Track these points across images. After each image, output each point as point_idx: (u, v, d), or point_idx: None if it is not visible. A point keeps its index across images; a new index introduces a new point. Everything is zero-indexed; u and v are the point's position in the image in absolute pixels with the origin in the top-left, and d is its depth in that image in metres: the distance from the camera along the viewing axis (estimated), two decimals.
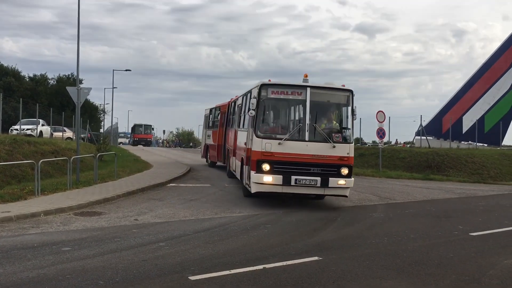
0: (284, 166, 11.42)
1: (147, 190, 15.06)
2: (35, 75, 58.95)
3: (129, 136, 71.77)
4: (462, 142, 37.59)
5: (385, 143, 29.02)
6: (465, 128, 37.71)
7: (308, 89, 11.75)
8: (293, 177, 11.36)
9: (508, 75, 37.18)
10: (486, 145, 36.12)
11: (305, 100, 11.70)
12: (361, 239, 8.86)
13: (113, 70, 62.84)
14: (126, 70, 65.26)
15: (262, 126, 11.89)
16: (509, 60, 37.25)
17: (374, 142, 38.05)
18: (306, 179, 11.40)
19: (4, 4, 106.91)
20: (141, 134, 63.18)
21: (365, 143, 40.08)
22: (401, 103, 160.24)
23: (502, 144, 37.04)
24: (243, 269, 6.57)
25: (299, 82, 12.13)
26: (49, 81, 59.93)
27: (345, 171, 11.58)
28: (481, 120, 37.11)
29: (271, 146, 11.47)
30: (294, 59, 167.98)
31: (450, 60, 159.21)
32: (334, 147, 11.53)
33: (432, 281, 6.37)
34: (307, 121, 11.63)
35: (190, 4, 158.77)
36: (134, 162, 25.26)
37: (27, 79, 56.98)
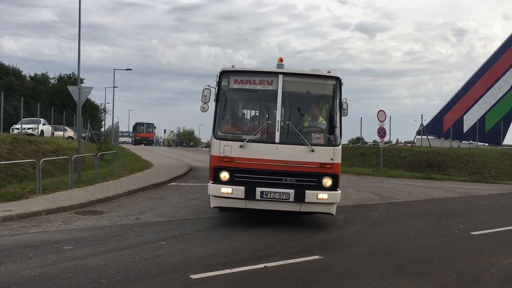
0: (247, 175, 9.03)
1: (148, 189, 15.08)
2: (36, 75, 59.06)
3: (131, 135, 71.62)
4: (463, 141, 37.65)
5: (386, 143, 29.04)
6: (466, 128, 37.75)
7: (280, 76, 9.26)
8: (259, 189, 8.93)
9: (509, 75, 37.21)
10: (487, 144, 36.17)
11: (277, 91, 9.24)
12: (362, 238, 8.88)
13: (114, 69, 63.29)
14: (127, 70, 65.36)
15: (222, 125, 9.56)
16: (509, 60, 37.27)
17: (375, 141, 38.07)
18: (275, 192, 8.94)
19: (4, 3, 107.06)
20: (143, 133, 62.93)
21: (366, 143, 40.11)
22: (402, 102, 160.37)
23: (503, 143, 37.10)
24: (245, 268, 6.59)
25: (272, 68, 9.77)
26: (50, 80, 60.03)
27: (327, 181, 9.05)
28: (482, 120, 37.15)
29: (231, 149, 9.09)
30: (294, 58, 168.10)
31: (450, 60, 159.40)
32: (313, 151, 9.04)
33: (432, 280, 6.38)
34: (278, 118, 9.16)
35: (190, 3, 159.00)
36: (135, 161, 25.28)
37: (28, 79, 57.04)
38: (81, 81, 33.05)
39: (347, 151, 31.76)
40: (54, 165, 18.94)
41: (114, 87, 50.72)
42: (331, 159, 9.16)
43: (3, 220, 9.59)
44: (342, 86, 9.59)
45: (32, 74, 58.94)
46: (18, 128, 27.88)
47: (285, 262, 6.97)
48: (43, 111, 33.50)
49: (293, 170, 9.07)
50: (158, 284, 5.91)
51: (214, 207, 9.65)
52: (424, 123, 35.57)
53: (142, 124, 64.28)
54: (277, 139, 9.13)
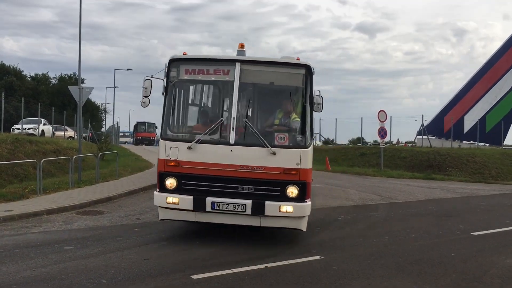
0: (196, 182, 7.74)
1: (148, 189, 15.07)
2: (36, 75, 59.18)
3: (133, 135, 71.38)
4: (464, 141, 37.67)
5: (386, 143, 29.05)
6: (466, 128, 37.77)
7: (238, 64, 7.87)
8: (210, 200, 7.59)
9: (509, 75, 37.24)
10: (487, 144, 36.20)
11: (233, 82, 7.87)
12: (363, 238, 8.88)
13: (115, 69, 63.23)
14: (128, 70, 65.36)
15: (171, 123, 8.28)
16: (510, 60, 37.30)
17: (375, 141, 38.07)
18: (229, 203, 7.56)
19: (4, 3, 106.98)
20: (144, 133, 62.53)
21: (367, 143, 40.12)
22: (402, 102, 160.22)
23: (504, 143, 37.12)
24: (245, 268, 6.59)
25: (230, 55, 8.50)
26: (51, 80, 60.15)
27: (292, 191, 7.61)
28: (482, 120, 37.18)
29: (178, 151, 7.80)
30: None
31: (450, 60, 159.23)
32: (274, 154, 7.59)
33: (433, 280, 6.39)
34: (234, 114, 7.72)
35: (190, 3, 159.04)
36: (136, 161, 25.31)
37: (29, 79, 57.15)
38: (82, 81, 33.10)
39: (348, 151, 31.83)
40: (55, 165, 18.96)
41: (114, 87, 50.78)
42: (297, 164, 7.65)
43: (4, 220, 9.60)
44: (313, 76, 8.08)
45: (33, 74, 59.13)
46: (18, 128, 27.94)
47: (286, 262, 6.98)
48: (43, 111, 33.58)
49: (251, 176, 7.66)
50: (159, 284, 5.92)
51: (162, 220, 8.44)
52: (425, 123, 35.64)
53: (143, 123, 63.84)
54: (231, 140, 7.70)
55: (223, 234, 8.88)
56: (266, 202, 7.55)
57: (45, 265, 6.59)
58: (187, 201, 7.69)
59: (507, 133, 37.16)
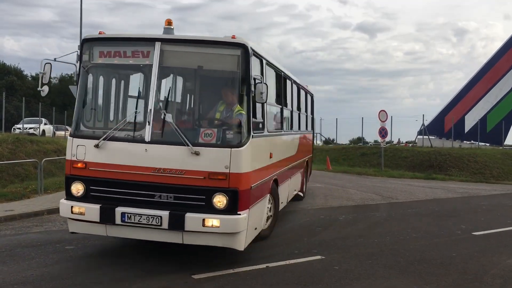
0: (105, 188, 6.46)
1: None
2: (37, 74, 59.15)
3: None
4: (465, 141, 37.69)
5: (387, 143, 29.07)
6: (467, 128, 37.82)
7: (158, 44, 6.45)
8: (120, 210, 6.29)
9: (510, 75, 37.31)
10: (488, 144, 36.21)
11: (151, 66, 6.46)
12: (364, 238, 8.88)
13: None
14: None
15: (83, 116, 7.03)
16: (511, 60, 37.33)
17: (376, 141, 38.09)
18: (142, 215, 6.21)
19: (4, 3, 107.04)
20: None
21: (367, 143, 40.14)
22: (402, 102, 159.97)
23: (505, 143, 37.14)
24: (246, 268, 6.60)
25: (152, 33, 6.84)
26: (51, 80, 60.21)
27: (220, 201, 6.18)
28: (483, 120, 37.24)
29: (85, 151, 6.58)
30: (294, 58, 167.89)
31: (451, 59, 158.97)
32: (197, 154, 6.18)
33: (434, 280, 6.39)
34: (151, 105, 6.37)
35: (190, 3, 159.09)
36: None
37: (30, 78, 57.22)
38: None
39: (348, 151, 31.82)
40: (56, 165, 18.96)
41: None
42: (226, 167, 6.17)
43: (5, 220, 9.62)
44: (255, 58, 6.76)
45: (34, 74, 59.16)
46: (19, 128, 28.03)
47: (287, 262, 6.99)
48: (44, 111, 33.65)
49: (169, 182, 6.25)
50: (160, 283, 5.92)
51: (72, 233, 7.11)
52: (426, 123, 35.71)
53: None
54: (147, 137, 6.32)
55: None
56: (187, 214, 6.14)
57: (46, 265, 6.61)
58: (93, 211, 6.39)
59: (507, 133, 37.25)
